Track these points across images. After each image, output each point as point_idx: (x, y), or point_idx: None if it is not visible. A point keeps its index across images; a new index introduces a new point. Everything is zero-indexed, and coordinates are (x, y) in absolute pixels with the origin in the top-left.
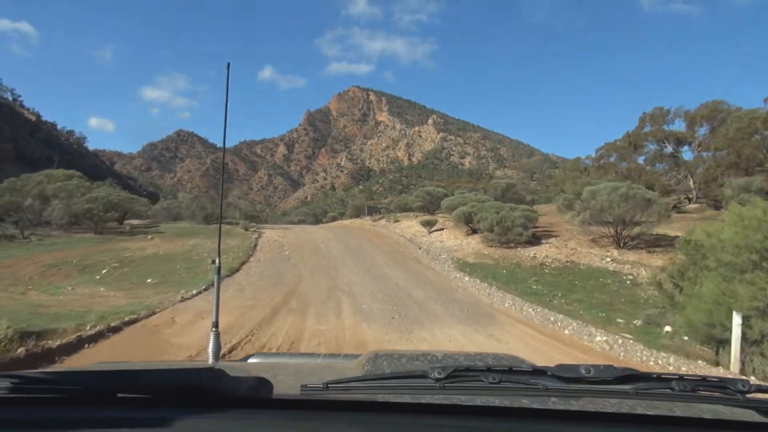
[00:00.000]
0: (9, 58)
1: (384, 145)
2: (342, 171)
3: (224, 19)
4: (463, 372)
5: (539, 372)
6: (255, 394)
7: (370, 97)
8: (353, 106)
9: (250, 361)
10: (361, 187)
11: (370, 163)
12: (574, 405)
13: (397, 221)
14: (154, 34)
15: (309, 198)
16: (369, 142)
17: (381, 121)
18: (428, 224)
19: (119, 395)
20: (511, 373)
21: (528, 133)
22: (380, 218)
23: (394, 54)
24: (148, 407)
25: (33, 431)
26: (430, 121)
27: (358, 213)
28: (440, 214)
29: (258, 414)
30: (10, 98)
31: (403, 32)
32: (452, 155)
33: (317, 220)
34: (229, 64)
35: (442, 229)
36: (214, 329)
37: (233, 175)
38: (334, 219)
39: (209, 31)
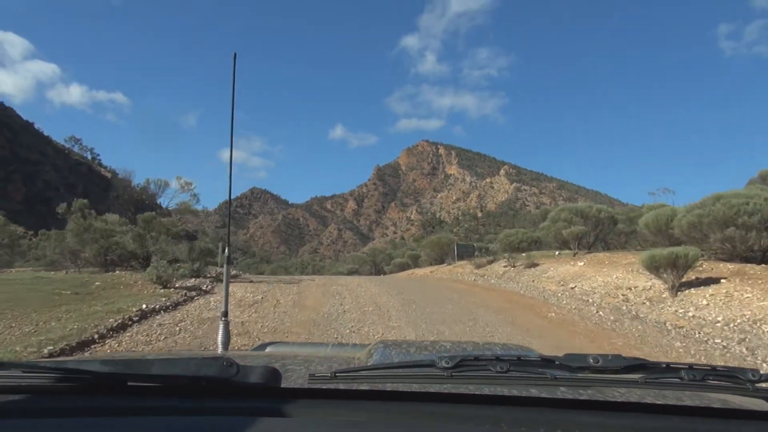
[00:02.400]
0: (104, 126)
1: (454, 197)
2: (412, 224)
3: (298, 81)
4: (471, 361)
5: (547, 361)
6: (264, 383)
7: (440, 150)
8: (422, 160)
9: (259, 350)
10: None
11: (440, 216)
12: (583, 394)
13: (533, 265)
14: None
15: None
16: (439, 195)
17: (451, 174)
18: (656, 266)
19: (129, 384)
20: (519, 362)
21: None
22: (488, 262)
23: (463, 109)
24: (157, 396)
25: (43, 419)
26: (501, 171)
27: (441, 255)
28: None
29: (267, 402)
30: (90, 157)
31: (472, 87)
32: (527, 205)
33: (377, 269)
34: (235, 54)
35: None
36: (223, 318)
37: (304, 230)
38: (403, 266)
39: (283, 94)
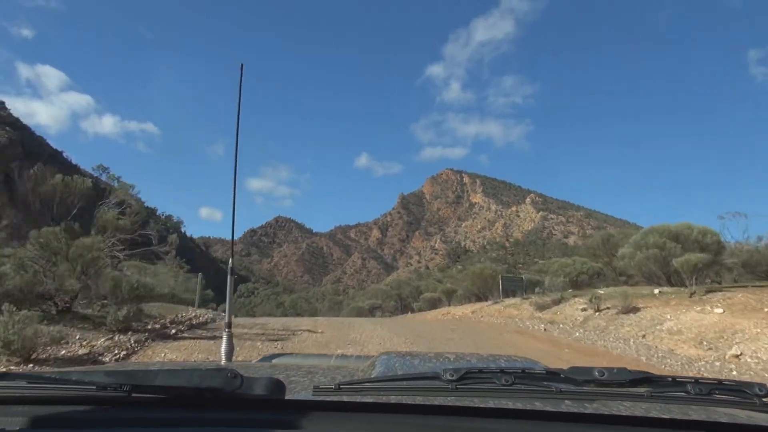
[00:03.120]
0: (135, 155)
1: (479, 226)
2: (436, 253)
3: (325, 111)
4: (475, 374)
5: (553, 374)
6: (268, 395)
7: (464, 179)
8: (447, 189)
9: (263, 362)
10: (459, 266)
11: (465, 245)
12: (588, 408)
13: (631, 309)
14: (259, 128)
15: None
16: (463, 224)
17: (475, 203)
18: None
19: (133, 395)
20: (524, 375)
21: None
22: (554, 302)
23: (488, 137)
24: (161, 408)
25: (47, 430)
26: (527, 200)
27: (483, 290)
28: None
29: (271, 415)
30: (117, 185)
31: (497, 115)
32: (554, 234)
33: (404, 305)
34: (242, 65)
35: None
36: (227, 330)
37: (327, 259)
38: (434, 303)
39: (310, 123)
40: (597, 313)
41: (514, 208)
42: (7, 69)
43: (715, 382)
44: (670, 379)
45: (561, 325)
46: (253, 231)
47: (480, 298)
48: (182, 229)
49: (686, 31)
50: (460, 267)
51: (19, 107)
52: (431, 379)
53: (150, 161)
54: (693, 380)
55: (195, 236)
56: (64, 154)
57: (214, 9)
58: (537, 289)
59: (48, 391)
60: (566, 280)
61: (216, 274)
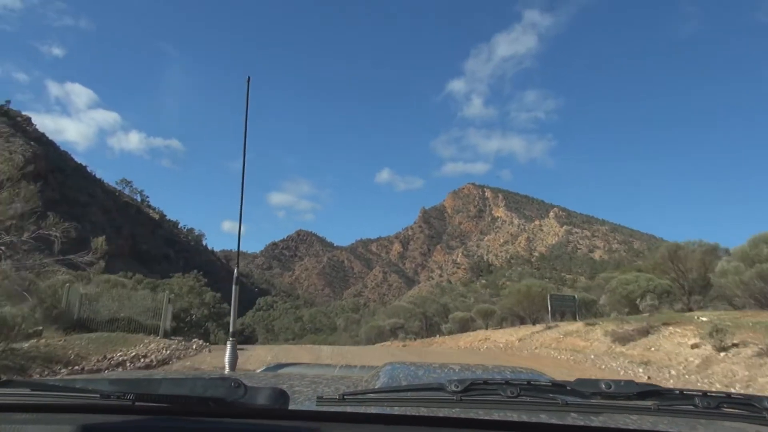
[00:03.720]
0: (160, 171)
1: (502, 240)
2: (458, 267)
3: (347, 125)
4: (480, 385)
5: (558, 386)
6: (272, 405)
7: (486, 193)
8: (468, 203)
9: (267, 371)
10: (483, 281)
11: (488, 259)
12: (594, 421)
13: None
14: (280, 143)
15: (425, 295)
16: (486, 238)
17: (498, 217)
18: None
19: (137, 404)
20: (530, 387)
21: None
22: (640, 332)
23: (510, 152)
24: (165, 417)
25: None
26: (551, 214)
27: (529, 311)
28: None
29: (274, 425)
30: (139, 199)
31: (519, 130)
32: (579, 248)
33: (429, 325)
34: (249, 78)
35: None
36: (231, 339)
37: (348, 273)
38: (465, 325)
39: (333, 138)
40: (722, 354)
41: (537, 222)
42: (37, 87)
43: (724, 395)
44: (677, 392)
45: (668, 370)
46: (274, 244)
47: (522, 320)
48: (204, 242)
49: (711, 44)
50: (484, 281)
51: (48, 124)
52: (436, 390)
53: (174, 176)
54: (701, 393)
55: (217, 249)
56: (88, 168)
57: (235, 25)
58: (614, 314)
59: (52, 398)
60: (622, 301)
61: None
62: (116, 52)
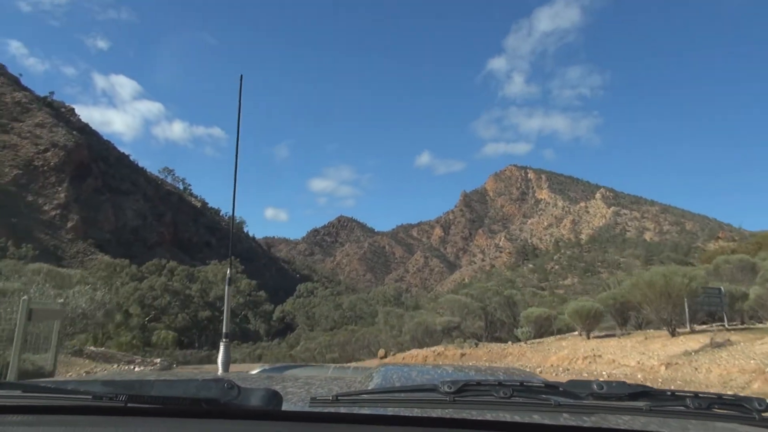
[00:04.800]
0: (202, 159)
1: (546, 223)
2: (501, 251)
3: (386, 110)
4: (473, 386)
5: (551, 387)
6: (265, 406)
7: (529, 174)
8: (511, 185)
9: (260, 372)
10: (531, 265)
11: (532, 242)
12: (586, 421)
13: None
14: (321, 129)
15: (467, 280)
16: (529, 221)
17: (541, 199)
18: None
19: (129, 406)
20: (523, 388)
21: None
22: None
23: (553, 131)
24: (157, 418)
25: None
26: (597, 195)
27: (664, 309)
28: None
29: (267, 426)
30: (181, 187)
31: (563, 108)
32: (628, 230)
33: (491, 327)
34: (242, 76)
35: None
36: (224, 340)
37: (389, 258)
38: (541, 325)
39: (372, 122)
40: None
41: (582, 204)
42: (84, 80)
43: (715, 396)
44: (669, 393)
45: None
46: (316, 231)
47: (638, 323)
48: (245, 229)
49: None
50: (531, 266)
51: (96, 116)
52: (429, 391)
53: (216, 164)
54: (692, 394)
55: (259, 236)
56: (131, 158)
57: (272, 14)
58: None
59: (44, 400)
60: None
61: (277, 273)
62: (158, 43)
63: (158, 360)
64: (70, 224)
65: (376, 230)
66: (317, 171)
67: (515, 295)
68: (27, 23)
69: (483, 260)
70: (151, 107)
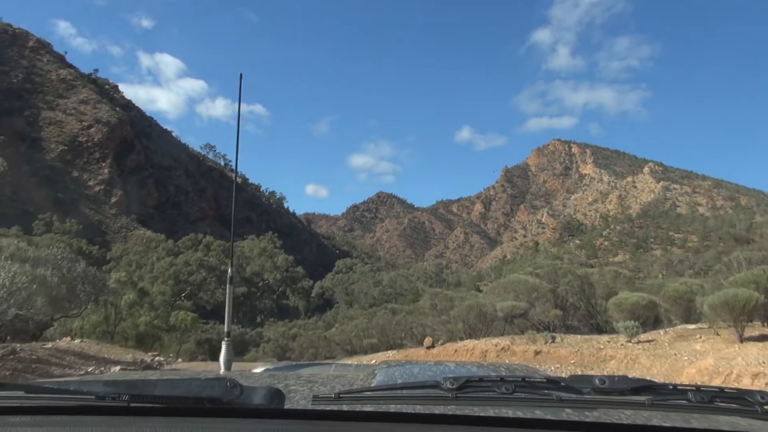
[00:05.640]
0: (244, 136)
1: (590, 198)
2: (543, 227)
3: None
4: (476, 382)
5: (553, 382)
6: (267, 405)
7: (573, 149)
8: (554, 160)
9: (263, 371)
10: (578, 241)
11: (576, 218)
12: (589, 416)
13: None
14: (363, 104)
15: (509, 257)
16: (573, 197)
17: (586, 174)
18: None
19: (132, 405)
20: (525, 383)
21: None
22: None
23: (599, 104)
24: (160, 418)
25: None
26: (645, 169)
27: None
28: None
29: (270, 424)
30: (222, 163)
31: (610, 81)
32: (678, 205)
33: (562, 308)
34: (241, 75)
35: None
36: (226, 339)
37: (429, 234)
38: (641, 317)
39: (412, 98)
40: None
41: (629, 179)
42: (130, 59)
43: (717, 390)
44: (671, 387)
45: None
46: (355, 207)
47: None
48: (285, 205)
49: None
50: (578, 242)
51: (141, 95)
52: (431, 387)
53: (258, 141)
54: (695, 388)
55: (299, 212)
56: (174, 134)
57: None
58: None
59: (47, 401)
60: None
61: (317, 249)
62: (201, 21)
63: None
64: (113, 199)
65: (415, 206)
66: (357, 147)
67: (592, 275)
68: (74, 3)
69: (525, 236)
70: (195, 85)
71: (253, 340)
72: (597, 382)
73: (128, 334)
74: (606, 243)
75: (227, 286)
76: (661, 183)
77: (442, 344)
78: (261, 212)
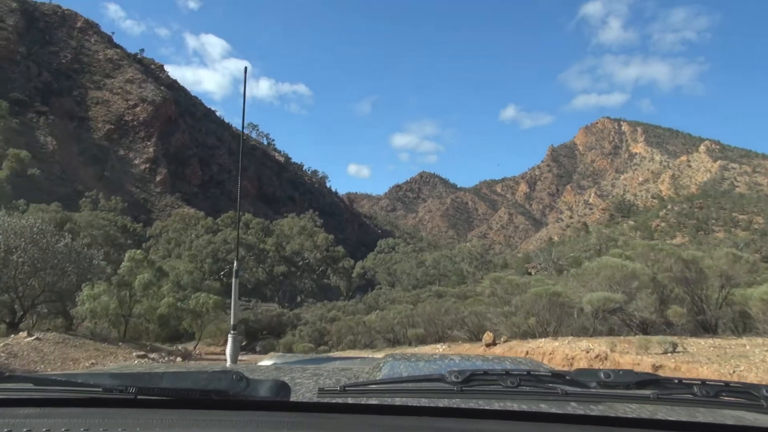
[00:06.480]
0: (288, 116)
1: (641, 178)
2: (592, 208)
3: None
4: (480, 376)
5: (558, 376)
6: (273, 397)
7: (623, 127)
8: (602, 139)
9: (269, 363)
10: (632, 222)
11: (626, 198)
12: (594, 410)
13: None
14: (405, 84)
15: (555, 238)
16: (622, 177)
17: (636, 153)
18: None
19: (139, 398)
20: (530, 377)
21: None
22: None
23: (651, 80)
24: (167, 410)
25: None
26: (701, 148)
27: None
28: None
29: (276, 417)
30: (265, 142)
31: (664, 54)
32: (737, 185)
33: (661, 308)
34: (246, 68)
35: None
36: (232, 332)
37: (472, 214)
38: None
39: (457, 76)
40: None
41: (684, 158)
42: (177, 40)
43: (722, 384)
44: (676, 381)
45: None
46: (398, 186)
47: None
48: (327, 184)
49: None
50: (632, 223)
51: (188, 76)
52: (436, 381)
53: (301, 121)
54: (700, 382)
55: (341, 192)
56: (217, 113)
57: None
58: None
59: (54, 393)
60: None
61: (359, 228)
62: (245, 1)
63: None
64: (158, 178)
65: (458, 186)
66: (399, 126)
67: (702, 259)
68: None
69: (571, 217)
70: (239, 65)
71: (290, 322)
72: (602, 375)
73: (150, 317)
74: (663, 224)
75: (233, 279)
76: (719, 162)
77: (506, 341)
78: (303, 191)
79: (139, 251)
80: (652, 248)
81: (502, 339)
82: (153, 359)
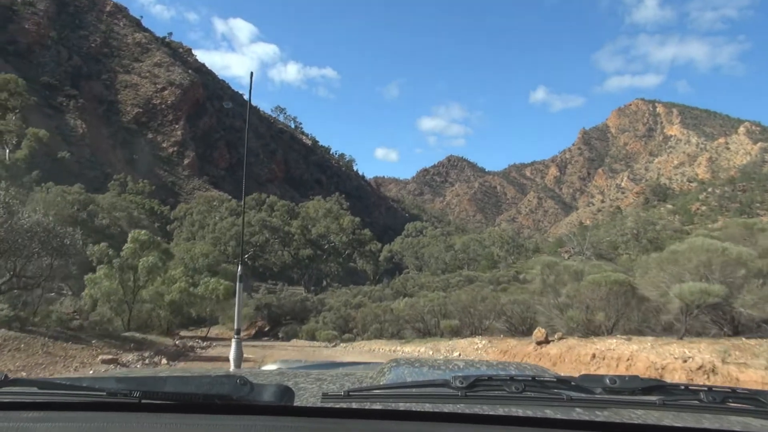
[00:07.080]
0: (316, 100)
1: (676, 161)
2: (624, 192)
3: (500, 42)
4: (485, 381)
5: (563, 382)
6: (277, 402)
7: (657, 109)
8: (636, 121)
9: (272, 368)
10: (670, 206)
11: (660, 182)
12: (599, 416)
13: None
14: (432, 66)
15: (587, 222)
16: (656, 160)
17: (671, 135)
18: None
19: (143, 402)
20: (535, 382)
21: None
22: None
23: (688, 60)
24: (171, 414)
25: None
26: (741, 129)
27: None
28: None
29: (280, 421)
30: (293, 126)
31: (702, 33)
32: None
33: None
34: (252, 73)
35: None
36: (236, 336)
37: (501, 198)
38: None
39: (485, 58)
40: None
41: (721, 140)
42: (205, 25)
43: (729, 390)
44: (683, 386)
45: None
46: (425, 170)
47: None
48: (354, 168)
49: None
50: (670, 206)
51: (217, 61)
52: (441, 386)
53: (329, 105)
54: (706, 388)
55: (369, 176)
56: (244, 96)
57: None
58: None
59: (59, 397)
60: None
61: (386, 212)
62: None
63: None
64: (186, 161)
65: (486, 170)
66: (427, 110)
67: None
68: None
69: (602, 201)
70: (267, 49)
71: (314, 308)
72: (608, 381)
73: (159, 303)
74: (704, 207)
75: (237, 284)
76: (759, 144)
77: (561, 339)
78: (330, 175)
79: (144, 231)
80: (749, 227)
81: (556, 336)
82: (126, 364)
